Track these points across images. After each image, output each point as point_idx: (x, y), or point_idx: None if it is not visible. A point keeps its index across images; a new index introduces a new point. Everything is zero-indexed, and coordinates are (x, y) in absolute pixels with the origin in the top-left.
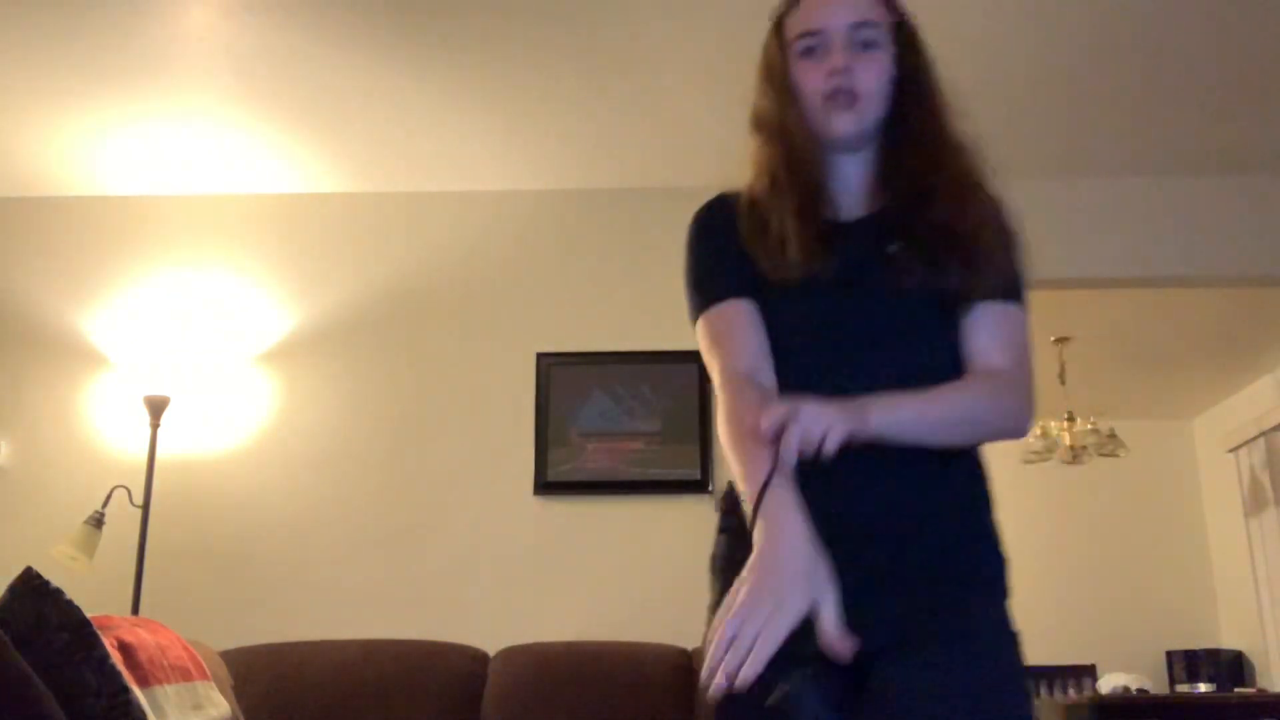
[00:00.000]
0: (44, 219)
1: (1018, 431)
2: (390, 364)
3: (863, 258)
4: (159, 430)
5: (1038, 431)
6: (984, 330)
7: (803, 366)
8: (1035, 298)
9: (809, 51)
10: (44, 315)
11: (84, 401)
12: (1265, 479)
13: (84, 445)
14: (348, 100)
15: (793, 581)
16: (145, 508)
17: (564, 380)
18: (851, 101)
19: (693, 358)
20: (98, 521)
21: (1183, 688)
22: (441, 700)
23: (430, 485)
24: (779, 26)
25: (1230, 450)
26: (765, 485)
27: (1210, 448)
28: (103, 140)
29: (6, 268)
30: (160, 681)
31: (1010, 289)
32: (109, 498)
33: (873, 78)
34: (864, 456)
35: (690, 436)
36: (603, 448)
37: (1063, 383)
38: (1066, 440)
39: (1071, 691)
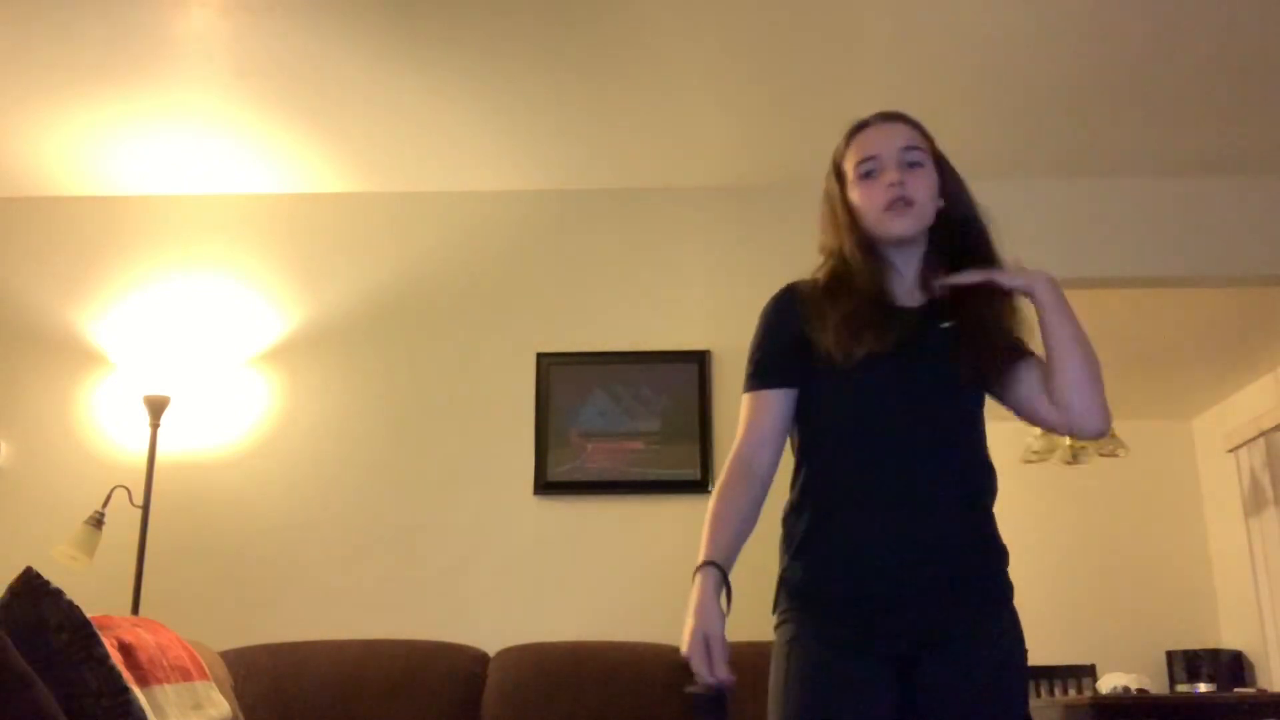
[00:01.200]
0: (44, 219)
1: (1107, 418)
2: (390, 364)
3: (916, 336)
4: (159, 430)
5: (1037, 431)
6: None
7: (871, 427)
8: None
9: (868, 175)
10: (44, 315)
11: (84, 401)
12: (1265, 479)
13: (84, 445)
14: (348, 100)
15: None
16: (145, 508)
17: (564, 380)
18: (908, 207)
19: (693, 358)
20: (98, 521)
21: (1183, 688)
22: (441, 700)
23: (430, 485)
24: (837, 169)
25: (1230, 450)
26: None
27: (1210, 448)
28: (103, 140)
29: (6, 268)
30: (160, 681)
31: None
32: (109, 498)
33: (923, 188)
34: (918, 513)
35: (690, 436)
36: (603, 448)
37: None
38: (1066, 440)
39: (1071, 691)
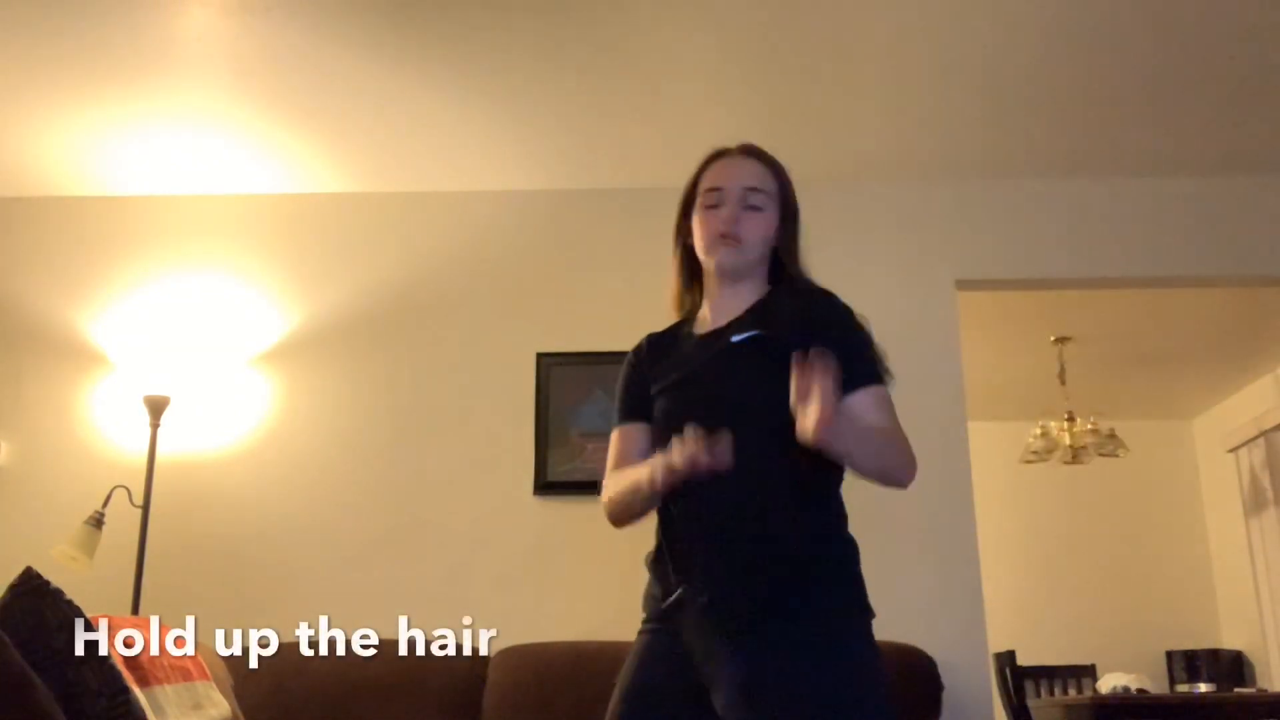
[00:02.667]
0: (44, 219)
1: (908, 477)
2: (390, 364)
3: (706, 357)
4: (159, 430)
5: (1038, 431)
6: (870, 409)
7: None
8: (1035, 298)
9: (711, 206)
10: (44, 315)
11: (84, 401)
12: (1265, 479)
13: (84, 445)
14: (348, 100)
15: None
16: (145, 508)
17: (564, 380)
18: (735, 243)
19: None
20: (98, 521)
21: (1183, 688)
22: (441, 700)
23: (430, 485)
24: (695, 182)
25: (1230, 450)
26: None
27: (1210, 448)
28: (103, 140)
29: (6, 268)
30: (160, 681)
31: (875, 376)
32: (109, 498)
33: (755, 230)
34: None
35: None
36: (603, 448)
37: (1063, 383)
38: (1066, 440)
39: (1071, 691)
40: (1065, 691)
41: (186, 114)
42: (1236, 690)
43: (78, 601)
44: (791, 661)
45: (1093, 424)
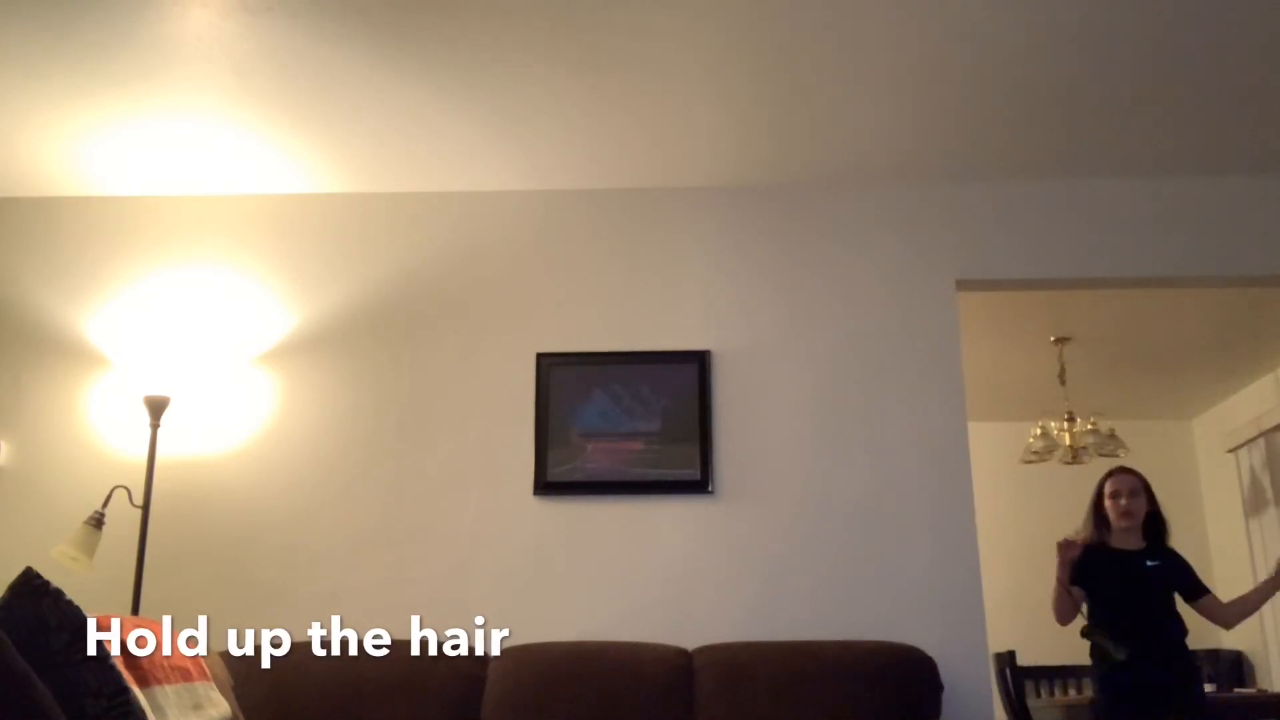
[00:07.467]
0: (44, 219)
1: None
2: (391, 364)
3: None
4: (159, 430)
5: (1037, 431)
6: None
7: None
8: (1035, 298)
9: (1114, 494)
10: (44, 315)
11: (84, 401)
12: (1265, 479)
13: (84, 445)
14: (348, 100)
15: None
16: (145, 508)
17: (564, 380)
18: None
19: (693, 358)
20: (98, 522)
21: None
22: (441, 700)
23: (430, 485)
24: (1102, 486)
25: (1230, 450)
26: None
27: (1210, 448)
28: (103, 140)
29: (6, 268)
30: (160, 681)
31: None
32: (109, 498)
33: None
34: None
35: (690, 436)
36: (603, 448)
37: (1063, 383)
38: (1066, 440)
39: (1072, 692)
40: (1065, 691)
41: (187, 114)
42: (1237, 690)
43: (78, 601)
44: None
45: (1093, 424)
